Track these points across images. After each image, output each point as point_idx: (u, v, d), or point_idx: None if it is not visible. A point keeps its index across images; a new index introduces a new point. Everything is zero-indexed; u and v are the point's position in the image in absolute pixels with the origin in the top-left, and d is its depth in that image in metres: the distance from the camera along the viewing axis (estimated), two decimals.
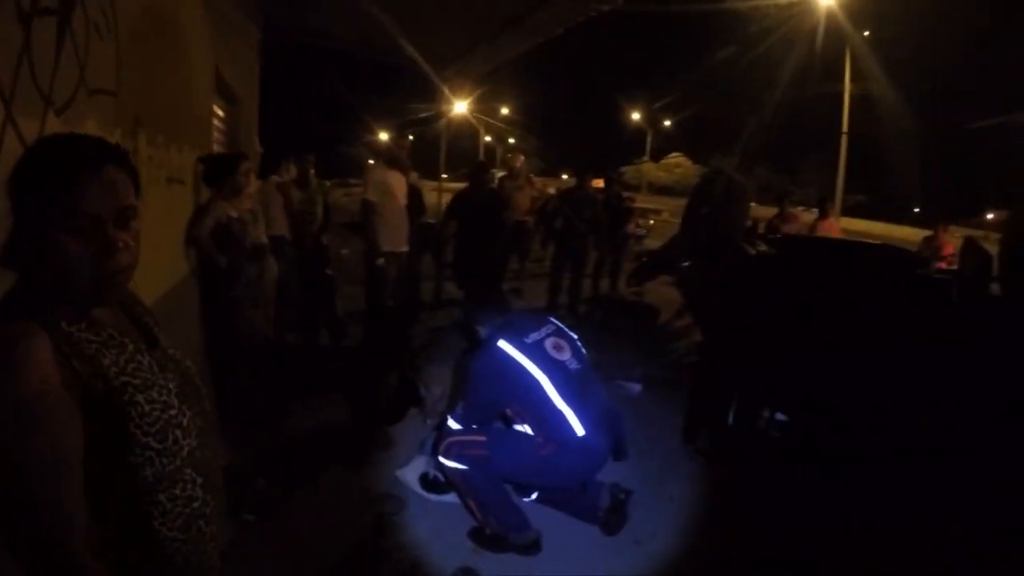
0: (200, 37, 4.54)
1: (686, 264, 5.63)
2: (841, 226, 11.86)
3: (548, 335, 3.70)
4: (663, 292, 9.38)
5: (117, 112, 2.59)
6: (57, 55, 1.95)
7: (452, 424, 3.67)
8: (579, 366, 3.65)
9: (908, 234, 24.13)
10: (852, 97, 21.40)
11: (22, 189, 1.18)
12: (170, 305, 3.58)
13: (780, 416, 4.77)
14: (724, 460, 4.63)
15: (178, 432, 1.30)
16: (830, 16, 20.52)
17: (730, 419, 4.81)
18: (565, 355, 3.64)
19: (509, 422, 3.69)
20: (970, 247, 4.20)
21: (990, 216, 46.14)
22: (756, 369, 4.60)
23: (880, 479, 3.67)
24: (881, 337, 3.96)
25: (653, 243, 14.18)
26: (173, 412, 1.29)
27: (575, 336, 3.86)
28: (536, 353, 3.55)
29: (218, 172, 4.50)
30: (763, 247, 5.50)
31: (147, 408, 1.24)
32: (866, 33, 24.06)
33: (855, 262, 4.85)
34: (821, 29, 20.95)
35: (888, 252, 5.34)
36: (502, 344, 3.55)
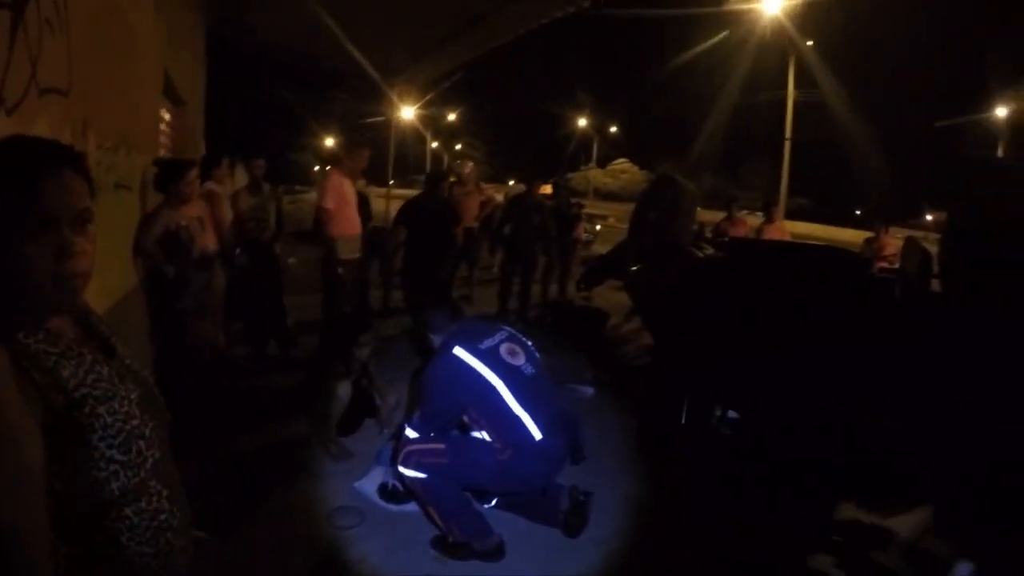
0: (150, 37, 4.44)
1: (634, 269, 5.69)
2: (786, 229, 12.19)
3: (502, 341, 3.71)
4: (612, 296, 9.49)
5: (67, 113, 2.51)
6: (9, 52, 1.88)
7: (410, 433, 3.63)
8: (534, 371, 3.67)
9: (850, 236, 24.79)
10: (797, 103, 21.94)
11: None
12: (119, 316, 3.49)
13: (732, 414, 4.84)
14: (679, 459, 4.68)
15: (141, 443, 1.27)
16: (776, 25, 21.04)
17: (682, 419, 4.87)
18: (520, 360, 3.65)
19: (466, 429, 3.67)
20: (911, 246, 4.32)
21: (929, 217, 47.67)
22: (706, 370, 4.67)
23: (833, 479, 3.74)
24: (826, 336, 4.04)
25: (600, 248, 14.29)
26: (135, 423, 1.26)
27: (529, 341, 3.88)
28: (491, 359, 3.55)
29: (166, 178, 4.39)
30: (710, 250, 5.60)
31: (109, 420, 1.20)
32: (809, 42, 24.70)
33: (800, 264, 4.95)
34: (767, 35, 21.48)
35: (832, 253, 5.47)
36: (457, 351, 3.54)
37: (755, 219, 13.04)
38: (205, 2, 8.23)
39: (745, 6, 20.21)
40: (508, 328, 3.91)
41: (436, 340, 3.78)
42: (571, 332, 7.93)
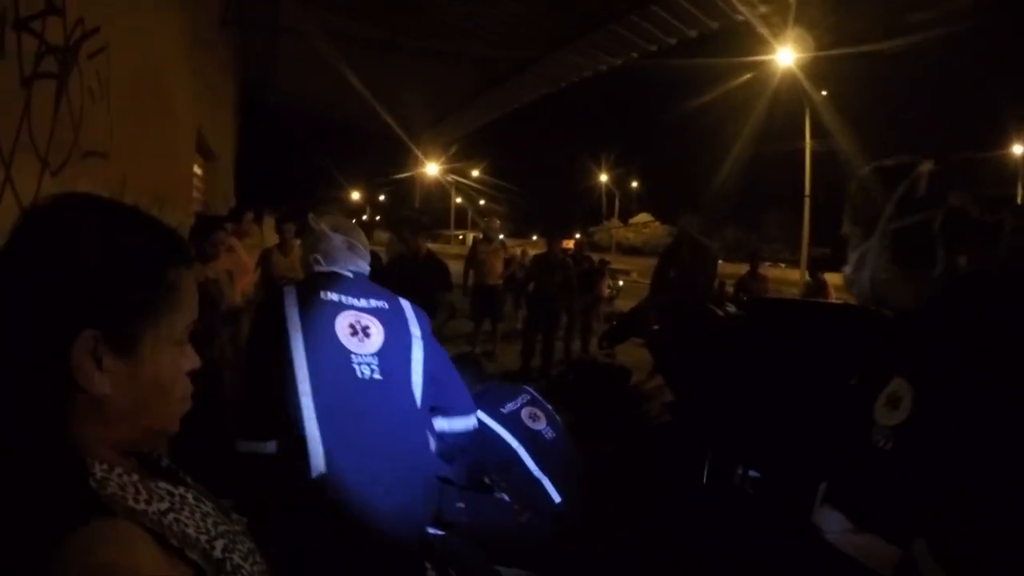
0: (185, 98, 4.60)
1: (656, 327, 5.71)
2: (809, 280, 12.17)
3: (524, 405, 3.77)
4: (635, 353, 9.44)
5: (107, 174, 2.61)
6: (54, 118, 1.98)
7: None
8: (554, 434, 3.73)
9: None
10: (815, 153, 22.09)
11: (102, 275, 0.79)
12: None
13: (754, 473, 4.79)
14: (702, 517, 4.62)
15: None
16: (791, 77, 21.25)
17: (704, 478, 4.82)
18: (541, 424, 3.71)
19: (489, 489, 3.71)
20: None
21: None
22: (727, 429, 4.64)
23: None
24: (845, 393, 4.03)
25: (623, 304, 14.28)
26: (258, 558, 0.99)
27: (549, 405, 3.93)
28: (512, 423, 3.62)
29: (197, 234, 4.49)
30: (731, 308, 5.61)
31: (248, 568, 0.93)
32: (824, 92, 24.88)
33: (819, 321, 4.95)
34: (783, 88, 21.71)
35: (849, 310, 5.47)
36: (480, 415, 3.59)
37: (777, 271, 12.98)
38: (239, 64, 8.53)
39: (760, 58, 20.46)
40: (530, 391, 3.97)
41: None
42: (593, 389, 7.89)
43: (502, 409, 3.64)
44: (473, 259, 9.98)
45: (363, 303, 2.36)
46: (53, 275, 0.77)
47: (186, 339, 0.90)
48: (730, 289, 10.62)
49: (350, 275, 2.48)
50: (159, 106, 3.76)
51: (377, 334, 2.31)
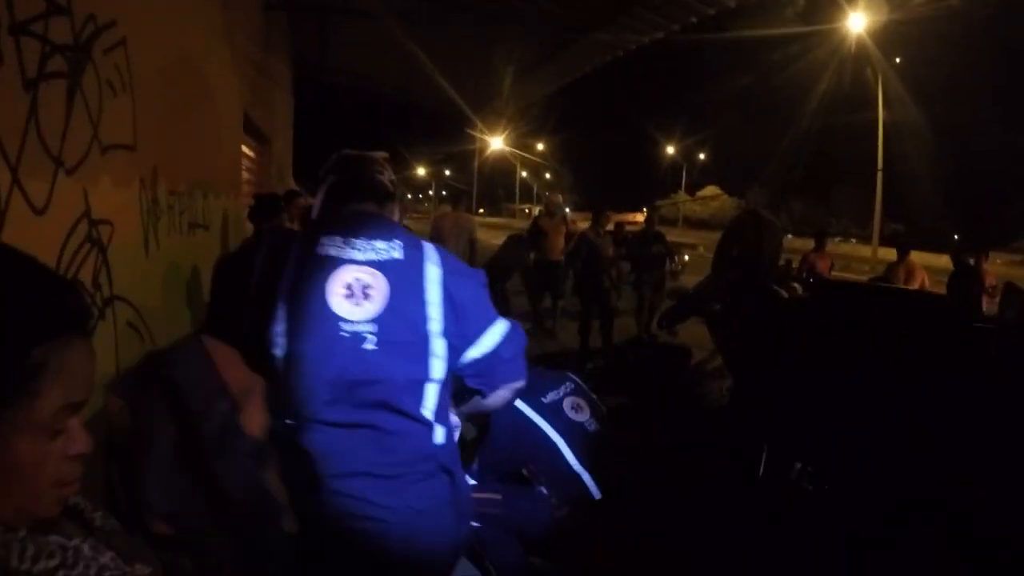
0: (227, 82, 4.60)
1: (717, 307, 5.53)
2: (880, 256, 11.58)
3: (567, 395, 3.68)
4: (697, 332, 9.22)
5: (134, 165, 2.59)
6: (67, 116, 1.94)
7: (468, 480, 3.61)
8: (598, 427, 3.63)
9: (947, 263, 23.39)
10: (887, 124, 21.17)
11: None
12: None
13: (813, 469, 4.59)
14: (756, 512, 4.46)
15: None
16: (861, 44, 20.37)
17: (759, 471, 4.65)
18: (584, 415, 3.62)
19: (527, 482, 3.63)
20: (1011, 295, 4.01)
21: None
22: (784, 418, 4.45)
23: (912, 540, 3.50)
24: (914, 389, 3.80)
25: (689, 280, 13.98)
26: None
27: (594, 396, 3.85)
28: (553, 415, 3.55)
29: (258, 215, 4.47)
30: (798, 289, 5.39)
31: None
32: (898, 60, 23.74)
33: (889, 310, 4.68)
34: (853, 55, 20.86)
35: (923, 299, 5.18)
36: (520, 404, 3.51)
37: (848, 247, 12.52)
38: (290, 46, 8.56)
39: (830, 26, 19.65)
40: (574, 379, 3.87)
41: None
42: (653, 369, 7.75)
43: (543, 398, 3.55)
44: (535, 234, 9.86)
45: None
46: None
47: (63, 421, 0.82)
48: (796, 265, 10.26)
49: None
50: (195, 92, 3.74)
51: None
